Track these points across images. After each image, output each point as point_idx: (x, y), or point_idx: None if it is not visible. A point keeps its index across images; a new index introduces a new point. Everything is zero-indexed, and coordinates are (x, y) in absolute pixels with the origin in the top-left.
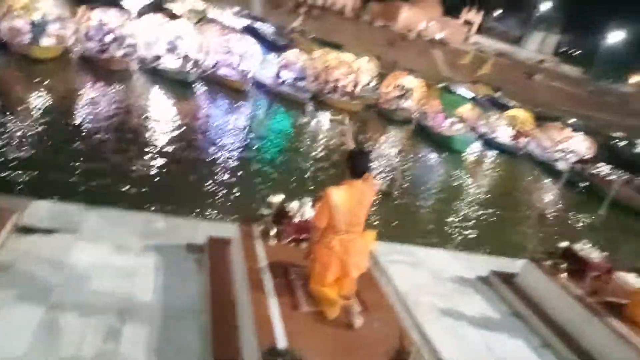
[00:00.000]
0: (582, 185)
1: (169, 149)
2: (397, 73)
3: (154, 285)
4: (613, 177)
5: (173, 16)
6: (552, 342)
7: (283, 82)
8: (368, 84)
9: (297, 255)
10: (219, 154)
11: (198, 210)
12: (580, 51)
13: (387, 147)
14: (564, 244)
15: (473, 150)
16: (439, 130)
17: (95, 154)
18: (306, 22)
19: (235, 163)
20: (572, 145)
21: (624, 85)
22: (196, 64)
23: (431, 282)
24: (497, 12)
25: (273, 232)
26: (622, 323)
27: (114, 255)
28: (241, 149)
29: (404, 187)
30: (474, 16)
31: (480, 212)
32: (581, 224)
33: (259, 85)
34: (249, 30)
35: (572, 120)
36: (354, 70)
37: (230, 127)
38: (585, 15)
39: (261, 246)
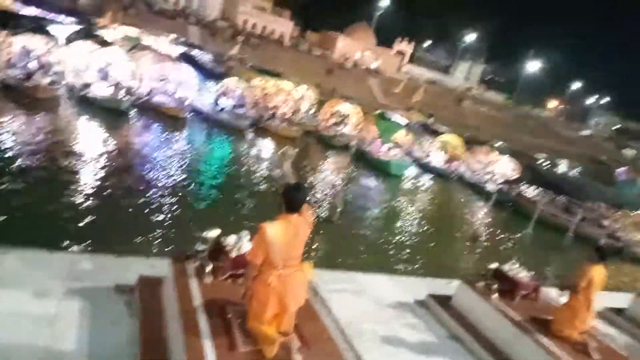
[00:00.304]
0: (510, 205)
1: (98, 181)
2: (334, 100)
3: (79, 333)
4: (537, 197)
5: (104, 43)
6: None
7: (222, 109)
8: (307, 111)
9: (234, 292)
10: (153, 185)
11: (128, 247)
12: (503, 79)
13: (328, 173)
14: (493, 265)
15: (409, 174)
16: (377, 155)
17: (16, 188)
18: (244, 50)
19: (170, 195)
20: (499, 167)
21: (543, 110)
22: (129, 91)
23: (372, 309)
24: (427, 43)
25: (209, 268)
26: (549, 338)
27: (34, 301)
28: (177, 180)
29: (345, 212)
30: (406, 46)
31: (418, 234)
32: (510, 243)
33: (197, 112)
34: (186, 58)
35: (498, 144)
36: (293, 97)
37: (165, 156)
38: (506, 47)
39: (196, 284)
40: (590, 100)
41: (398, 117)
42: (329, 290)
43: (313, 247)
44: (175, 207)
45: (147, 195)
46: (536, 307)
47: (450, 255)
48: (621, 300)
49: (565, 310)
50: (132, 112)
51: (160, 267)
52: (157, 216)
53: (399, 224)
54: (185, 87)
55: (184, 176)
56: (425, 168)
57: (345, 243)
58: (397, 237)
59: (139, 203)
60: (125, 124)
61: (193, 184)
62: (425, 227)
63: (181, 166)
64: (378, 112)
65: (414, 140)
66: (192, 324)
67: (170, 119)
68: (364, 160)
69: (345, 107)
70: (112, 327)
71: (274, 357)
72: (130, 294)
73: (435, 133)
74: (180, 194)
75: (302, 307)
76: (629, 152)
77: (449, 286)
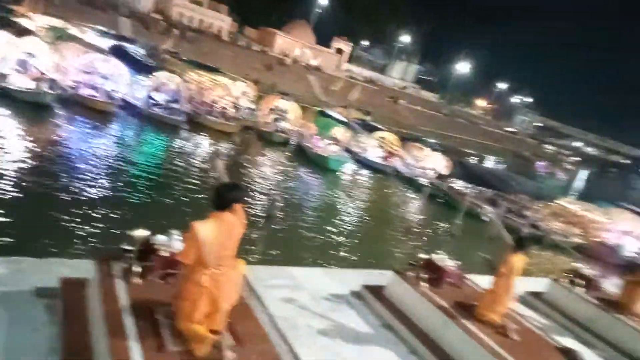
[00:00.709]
0: (441, 198)
1: (17, 179)
2: (273, 96)
3: None
4: (466, 190)
5: (23, 32)
6: (418, 349)
7: (155, 104)
8: (246, 106)
9: (163, 292)
10: (78, 182)
11: (50, 249)
12: (436, 79)
13: (267, 168)
14: (423, 255)
15: (347, 169)
16: (316, 150)
17: None
18: (180, 44)
19: (96, 193)
20: (432, 163)
21: (472, 109)
22: (53, 84)
23: (308, 302)
24: (364, 43)
25: (137, 269)
26: (473, 323)
27: None
28: (104, 177)
29: (284, 207)
30: (345, 45)
31: (355, 228)
32: (442, 234)
33: (129, 107)
34: (117, 51)
35: (431, 141)
36: (230, 92)
37: (92, 152)
38: (438, 48)
39: (122, 285)
40: (515, 100)
41: (337, 114)
42: (265, 286)
43: (250, 243)
44: (101, 205)
45: (70, 193)
46: (462, 294)
47: (386, 246)
48: (539, 284)
49: (487, 296)
50: (57, 106)
51: (84, 268)
52: (82, 215)
53: (336, 217)
54: (115, 81)
55: (111, 173)
56: (362, 163)
57: (283, 238)
58: (335, 231)
59: (62, 202)
60: (49, 119)
61: (122, 181)
62: (362, 220)
63: (109, 162)
64: (317, 108)
65: (352, 136)
66: (118, 327)
67: (98, 113)
68: (303, 155)
69: (284, 103)
70: (32, 334)
71: (205, 356)
72: (52, 298)
73: (372, 130)
74: (107, 191)
75: (236, 304)
76: (549, 149)
77: (383, 277)
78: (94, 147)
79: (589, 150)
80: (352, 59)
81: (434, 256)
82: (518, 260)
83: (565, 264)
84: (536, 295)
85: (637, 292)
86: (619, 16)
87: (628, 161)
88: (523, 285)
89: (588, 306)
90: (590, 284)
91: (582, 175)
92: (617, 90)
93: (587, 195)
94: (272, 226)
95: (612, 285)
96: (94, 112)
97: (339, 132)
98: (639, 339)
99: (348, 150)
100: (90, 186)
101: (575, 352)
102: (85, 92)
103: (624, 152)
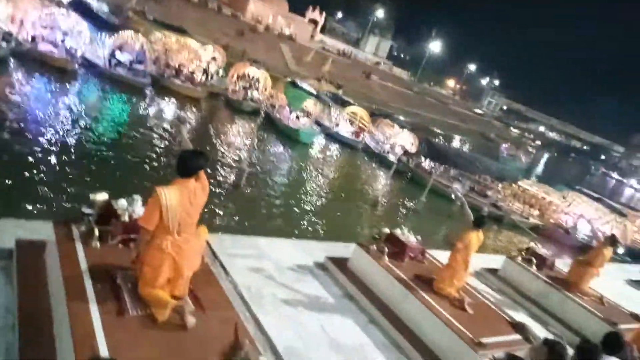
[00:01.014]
0: (408, 175)
1: None
2: (244, 63)
3: None
4: (432, 168)
5: None
6: (377, 318)
7: (118, 64)
8: (215, 72)
9: (124, 257)
10: (35, 142)
11: (6, 209)
12: (408, 56)
13: (235, 137)
14: (386, 229)
15: (317, 142)
16: (286, 122)
17: None
18: (146, 2)
19: (55, 153)
20: (400, 140)
21: (441, 88)
22: (7, 37)
23: (272, 272)
24: (338, 15)
25: (96, 233)
26: (431, 295)
27: None
28: (64, 137)
29: (251, 178)
30: (318, 16)
31: (322, 201)
32: (407, 210)
33: (90, 65)
34: (78, 6)
35: (401, 118)
36: (198, 56)
37: (51, 111)
38: (412, 25)
39: (82, 249)
40: (484, 82)
41: (308, 86)
42: (229, 254)
43: (216, 212)
44: (60, 166)
45: (27, 152)
46: (422, 268)
47: (352, 220)
48: (495, 261)
49: (445, 270)
50: (12, 61)
51: (42, 230)
52: (39, 176)
53: (304, 190)
54: (76, 37)
55: (72, 133)
56: (332, 137)
57: (250, 208)
58: (302, 203)
59: (18, 161)
60: (3, 74)
61: (82, 143)
62: (330, 194)
63: (69, 122)
64: (288, 79)
65: (323, 109)
66: (77, 290)
67: (57, 70)
68: (273, 126)
69: (255, 72)
70: None
71: (166, 321)
72: (7, 260)
73: (343, 104)
74: (67, 152)
75: (199, 271)
76: (514, 131)
77: (347, 249)
78: (53, 106)
79: (552, 135)
80: (325, 31)
81: (397, 231)
82: (475, 237)
83: (522, 243)
84: (492, 271)
85: (586, 271)
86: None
87: (587, 147)
88: (480, 261)
89: (540, 283)
90: (543, 262)
91: (544, 158)
92: (582, 77)
93: (547, 179)
94: (239, 195)
95: (564, 264)
96: (53, 69)
97: (310, 104)
98: (585, 316)
99: (318, 124)
100: (47, 146)
101: (526, 326)
102: (43, 47)
103: (584, 138)
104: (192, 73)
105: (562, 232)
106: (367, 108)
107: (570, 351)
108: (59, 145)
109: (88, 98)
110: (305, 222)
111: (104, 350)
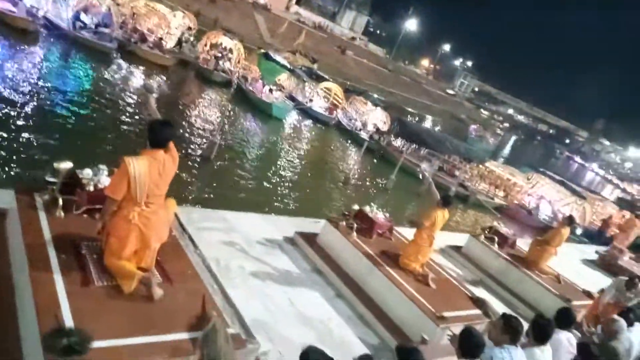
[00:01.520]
0: (379, 153)
1: None
2: (216, 32)
3: None
4: (403, 147)
5: None
6: (344, 292)
7: (83, 26)
8: (185, 40)
9: (89, 228)
10: None
11: None
12: (384, 33)
13: (206, 108)
14: (356, 206)
15: (290, 117)
16: (259, 96)
17: None
18: None
19: (15, 119)
20: (372, 117)
21: (415, 67)
22: None
23: (241, 246)
24: None
25: (60, 202)
26: (397, 270)
27: None
28: (24, 103)
29: (222, 151)
30: None
31: (293, 176)
32: (377, 187)
33: (53, 27)
34: None
35: (374, 96)
36: (167, 22)
37: (10, 74)
38: (389, 1)
39: (45, 218)
40: (457, 63)
41: (283, 59)
42: (198, 228)
43: (185, 184)
44: (21, 132)
45: None
46: (389, 244)
47: (322, 196)
48: (460, 239)
49: (411, 246)
50: None
51: (3, 198)
52: None
53: (275, 165)
54: None
55: (34, 99)
56: (305, 112)
57: (220, 181)
58: (273, 178)
59: None
60: None
61: (45, 109)
62: (301, 170)
63: (31, 87)
64: (262, 51)
65: (297, 84)
66: (40, 260)
67: (17, 31)
68: (245, 99)
69: (227, 41)
70: None
71: (132, 293)
72: None
73: (318, 79)
74: (28, 118)
75: (167, 244)
76: (484, 113)
77: (317, 225)
78: (13, 69)
79: (520, 118)
80: (301, 2)
81: (366, 208)
82: (441, 214)
83: (486, 222)
84: (456, 248)
85: (544, 250)
86: None
87: (553, 131)
88: (445, 239)
89: (500, 261)
90: (505, 241)
91: (511, 141)
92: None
93: (512, 160)
94: (209, 168)
95: (525, 244)
96: (13, 30)
97: (283, 78)
98: (541, 293)
99: (292, 99)
100: (7, 110)
101: (485, 301)
102: (2, 6)
103: (551, 122)
104: (161, 39)
105: (525, 212)
106: (341, 84)
107: (526, 325)
108: (21, 110)
109: (51, 62)
110: (275, 198)
111: (68, 321)
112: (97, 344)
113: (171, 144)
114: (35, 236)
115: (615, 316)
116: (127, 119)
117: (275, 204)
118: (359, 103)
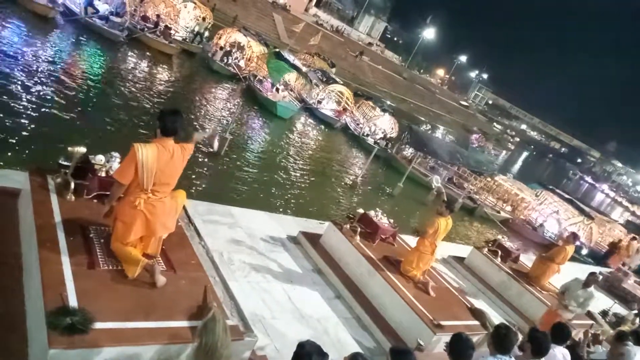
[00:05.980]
0: (387, 160)
1: None
2: (233, 29)
3: None
4: (411, 156)
5: None
6: (343, 294)
7: (96, 13)
8: (199, 32)
9: (98, 212)
10: (11, 90)
11: None
12: (401, 41)
13: (216, 104)
14: (360, 210)
15: (297, 118)
16: (266, 94)
17: None
18: None
19: (32, 102)
20: (380, 123)
21: (430, 77)
22: None
23: (245, 241)
24: None
25: (72, 186)
26: (397, 276)
27: None
28: (41, 88)
29: (229, 147)
30: None
31: (300, 177)
32: (383, 193)
33: (70, 13)
34: None
35: (387, 103)
36: (176, 11)
37: (30, 60)
38: (408, 9)
39: (56, 201)
40: (473, 74)
41: (295, 60)
42: (204, 220)
43: (194, 178)
44: (36, 116)
45: (4, 100)
46: (392, 250)
47: (327, 198)
48: (463, 250)
49: (413, 253)
50: None
51: (17, 179)
52: (15, 124)
53: (281, 165)
54: None
55: (49, 84)
56: (313, 114)
57: (227, 177)
58: (279, 178)
59: None
60: None
61: (60, 94)
62: (307, 170)
63: (47, 73)
64: (275, 49)
65: (306, 85)
66: (49, 240)
67: (37, 17)
68: (253, 96)
69: (242, 38)
70: None
71: (136, 278)
72: None
73: (328, 81)
74: (44, 103)
75: (173, 233)
76: (496, 127)
77: (321, 226)
78: (32, 54)
79: (533, 134)
80: (320, 5)
81: (371, 212)
82: (444, 223)
83: (491, 235)
84: (459, 259)
85: (548, 267)
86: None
87: (565, 149)
88: (448, 249)
89: (502, 275)
90: (508, 255)
91: (522, 156)
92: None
93: (522, 176)
94: (218, 164)
95: (528, 260)
96: (33, 15)
97: (291, 78)
98: (540, 308)
99: (301, 99)
100: (22, 95)
101: (484, 312)
102: None
103: (564, 140)
104: (168, 28)
105: (530, 228)
106: (353, 88)
107: (521, 337)
108: (37, 94)
109: (66, 48)
110: (280, 197)
111: (73, 300)
112: (99, 325)
113: (194, 136)
114: (45, 217)
115: (625, 342)
116: (140, 106)
117: (281, 202)
118: (367, 107)
